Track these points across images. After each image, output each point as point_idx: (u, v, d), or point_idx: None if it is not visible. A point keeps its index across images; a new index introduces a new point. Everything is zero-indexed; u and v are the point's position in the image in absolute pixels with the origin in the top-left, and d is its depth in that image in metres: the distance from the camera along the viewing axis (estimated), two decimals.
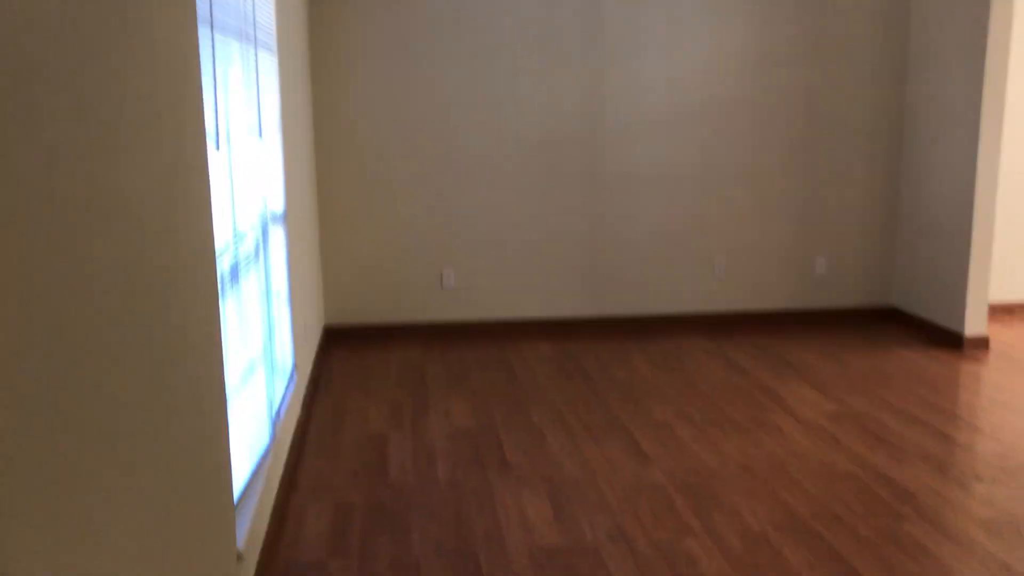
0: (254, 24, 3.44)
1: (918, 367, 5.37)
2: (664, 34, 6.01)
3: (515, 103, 5.96)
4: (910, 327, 6.26)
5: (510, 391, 5.01)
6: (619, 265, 6.25)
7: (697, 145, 6.16)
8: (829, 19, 6.13)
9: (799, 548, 3.24)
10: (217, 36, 2.69)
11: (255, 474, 3.11)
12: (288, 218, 4.35)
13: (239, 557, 2.54)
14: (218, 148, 2.60)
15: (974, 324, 5.71)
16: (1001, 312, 6.55)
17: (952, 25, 5.73)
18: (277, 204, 4.09)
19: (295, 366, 4.38)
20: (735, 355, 5.66)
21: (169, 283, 1.91)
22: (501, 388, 5.06)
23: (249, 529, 2.72)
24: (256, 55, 3.47)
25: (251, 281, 3.32)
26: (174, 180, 1.97)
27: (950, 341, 5.81)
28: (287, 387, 4.10)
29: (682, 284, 6.33)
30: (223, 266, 2.76)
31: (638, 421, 4.52)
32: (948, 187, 5.82)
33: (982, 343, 5.72)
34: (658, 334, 6.17)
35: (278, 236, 4.08)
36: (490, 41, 5.88)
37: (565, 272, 6.21)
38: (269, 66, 3.89)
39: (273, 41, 4.02)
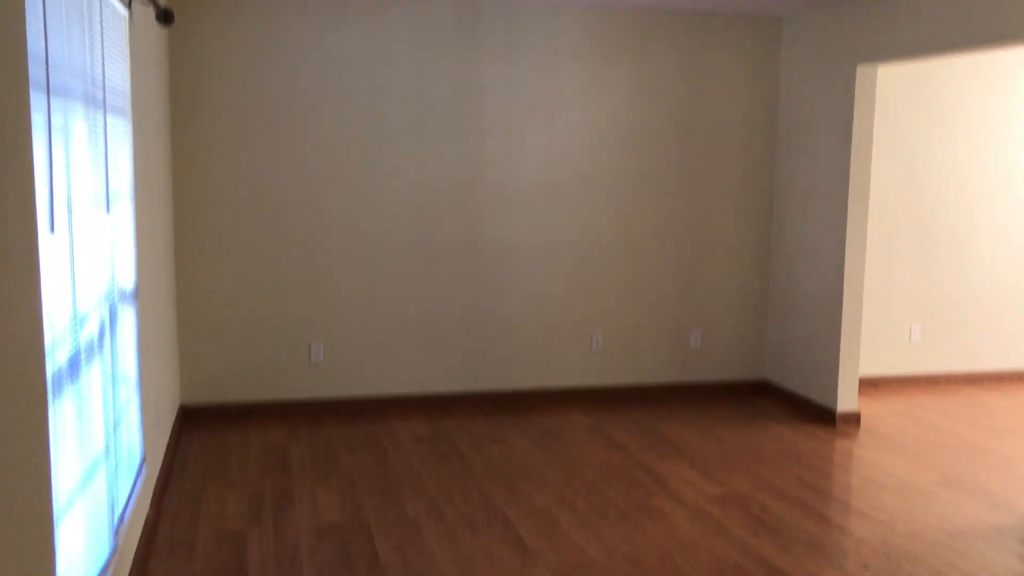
0: (104, 87, 3.13)
1: (794, 444, 5.37)
2: (543, 106, 5.95)
3: (389, 172, 5.76)
4: (783, 401, 6.30)
5: (382, 477, 4.71)
6: (496, 338, 6.07)
7: (575, 217, 6.09)
8: (702, 97, 6.22)
9: None
10: (57, 103, 2.38)
11: None
12: (140, 295, 3.97)
13: None
14: (53, 231, 2.28)
15: (846, 400, 5.77)
16: (866, 386, 6.68)
17: (819, 108, 5.88)
18: (127, 281, 3.72)
19: (144, 457, 3.97)
20: (615, 432, 5.53)
21: None
22: (372, 474, 4.76)
23: None
24: (105, 121, 3.15)
25: (94, 371, 2.96)
26: None
27: (822, 416, 5.86)
28: (134, 482, 3.70)
29: (560, 358, 6.20)
30: (59, 360, 2.41)
31: (518, 509, 4.30)
32: (818, 265, 5.92)
33: (853, 419, 5.78)
34: (536, 410, 6.00)
35: (128, 315, 3.70)
36: (365, 108, 5.68)
37: (440, 345, 5.98)
38: (121, 132, 3.57)
39: (127, 104, 3.69)
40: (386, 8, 5.64)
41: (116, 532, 3.16)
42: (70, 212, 2.60)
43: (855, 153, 5.58)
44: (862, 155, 5.60)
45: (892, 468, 4.98)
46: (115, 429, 3.33)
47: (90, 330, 2.92)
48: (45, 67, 2.18)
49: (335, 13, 5.58)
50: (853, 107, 5.56)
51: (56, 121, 2.37)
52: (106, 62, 3.20)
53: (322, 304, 5.76)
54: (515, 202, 5.98)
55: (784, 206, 6.28)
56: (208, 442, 5.22)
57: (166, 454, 4.75)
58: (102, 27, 3.14)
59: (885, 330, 6.72)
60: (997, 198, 6.80)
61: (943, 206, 6.70)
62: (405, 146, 5.76)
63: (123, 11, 3.64)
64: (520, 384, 6.15)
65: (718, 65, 6.22)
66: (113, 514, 3.17)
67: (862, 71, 5.53)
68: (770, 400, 6.36)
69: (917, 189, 6.63)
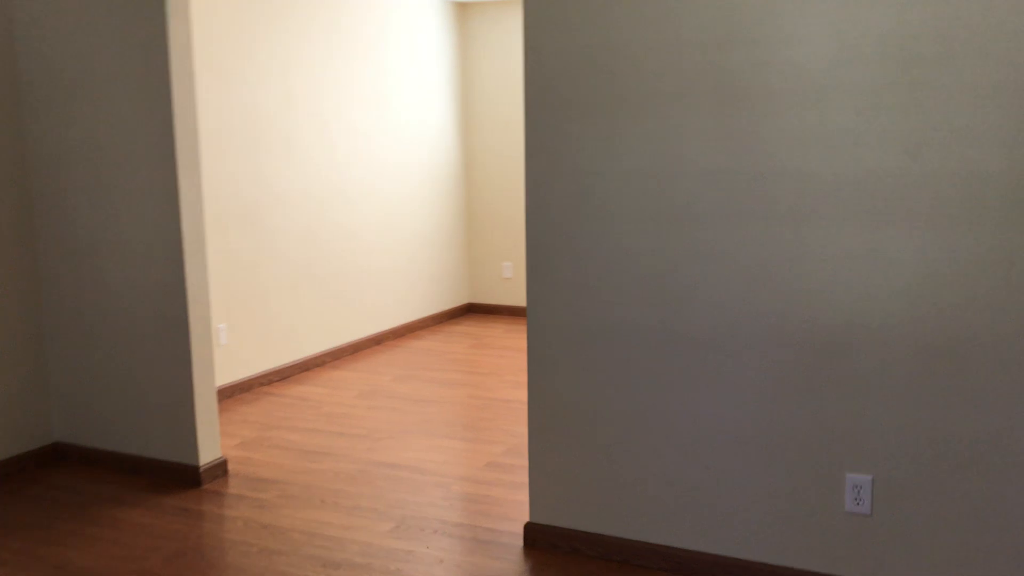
0: None
1: (151, 536, 3.51)
2: None
3: None
4: (98, 467, 4.25)
5: None
6: None
7: None
8: None
9: None
10: None
11: None
12: None
13: None
14: None
15: (208, 449, 4.07)
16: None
17: (103, 32, 3.93)
18: None
19: None
20: None
21: None
22: None
23: None
24: None
25: None
26: None
27: (183, 478, 4.05)
28: None
29: None
30: None
31: None
32: (141, 267, 4.02)
33: (221, 468, 4.12)
34: None
35: None
36: None
37: None
38: None
39: None
40: None
41: None
42: None
43: (177, 92, 3.84)
44: (185, 93, 3.88)
45: (290, 526, 3.57)
46: None
47: None
48: None
49: None
50: (166, 30, 3.79)
51: None
52: None
53: None
54: None
55: (48, 179, 4.15)
56: None
57: None
58: None
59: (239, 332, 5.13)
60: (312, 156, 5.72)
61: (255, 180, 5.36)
62: None
63: None
64: None
65: None
66: None
67: None
68: (86, 473, 4.21)
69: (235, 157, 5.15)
